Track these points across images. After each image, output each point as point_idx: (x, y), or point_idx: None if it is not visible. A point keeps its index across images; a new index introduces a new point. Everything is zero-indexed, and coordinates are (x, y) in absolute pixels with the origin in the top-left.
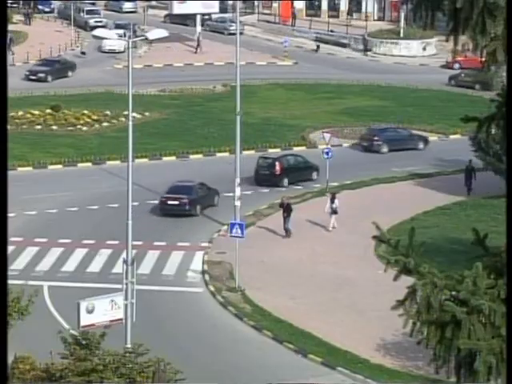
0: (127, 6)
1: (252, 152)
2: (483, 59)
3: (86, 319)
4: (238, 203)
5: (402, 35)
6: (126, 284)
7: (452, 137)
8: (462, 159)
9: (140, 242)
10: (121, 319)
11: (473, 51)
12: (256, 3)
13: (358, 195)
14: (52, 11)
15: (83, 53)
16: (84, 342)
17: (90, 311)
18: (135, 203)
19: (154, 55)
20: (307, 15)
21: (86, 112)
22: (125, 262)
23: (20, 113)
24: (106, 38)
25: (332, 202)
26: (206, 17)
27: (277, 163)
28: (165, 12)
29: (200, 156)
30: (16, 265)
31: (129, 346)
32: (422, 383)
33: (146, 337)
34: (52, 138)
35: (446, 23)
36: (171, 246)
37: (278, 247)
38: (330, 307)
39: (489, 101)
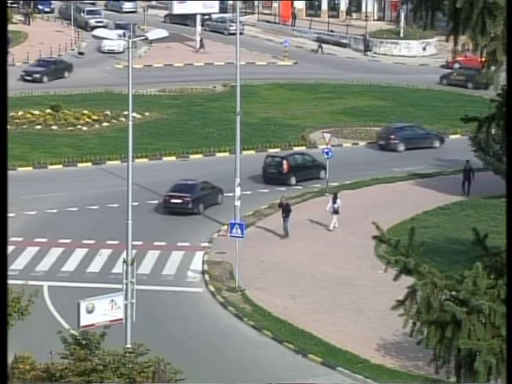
0: (127, 5)
1: (252, 152)
2: (483, 59)
3: (85, 319)
4: (237, 203)
5: (402, 35)
6: (126, 284)
7: (452, 137)
8: (461, 159)
9: (140, 242)
10: (121, 319)
11: (473, 51)
12: (256, 3)
13: (358, 195)
14: (52, 11)
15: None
16: (84, 342)
17: (89, 311)
18: (135, 203)
19: (154, 55)
20: (307, 15)
21: (85, 112)
22: (125, 261)
23: (20, 113)
24: (106, 38)
25: (334, 201)
26: (206, 17)
27: (284, 162)
28: (165, 12)
29: (200, 156)
30: (16, 265)
31: (129, 345)
32: (422, 383)
33: (146, 337)
34: (52, 137)
35: (446, 23)
36: (171, 245)
37: (278, 247)
38: (330, 307)
39: (489, 101)
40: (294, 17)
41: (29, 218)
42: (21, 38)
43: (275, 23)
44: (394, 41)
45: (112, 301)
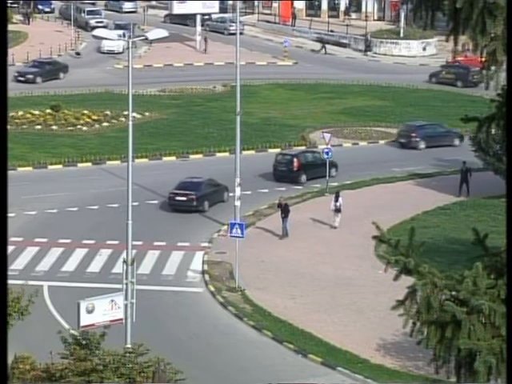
0: (127, 6)
1: (252, 152)
2: (483, 59)
3: (85, 319)
4: (237, 203)
5: (402, 35)
6: (126, 284)
7: None
8: (461, 159)
9: (140, 242)
10: (121, 319)
11: (473, 51)
12: (256, 3)
13: (358, 195)
14: (52, 11)
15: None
16: (84, 342)
17: (89, 311)
18: (135, 203)
19: (154, 55)
20: (307, 15)
21: (86, 112)
22: (125, 261)
23: (20, 113)
24: (106, 39)
25: (336, 200)
26: (206, 17)
27: (295, 159)
28: (165, 12)
29: (200, 156)
30: (16, 265)
31: (129, 345)
32: (422, 383)
33: (146, 337)
34: (52, 137)
35: (446, 23)
36: (171, 245)
37: (278, 247)
38: (330, 307)
39: (489, 101)
40: (294, 17)
41: (29, 218)
42: (21, 37)
43: (275, 23)
44: (394, 41)
45: (112, 301)
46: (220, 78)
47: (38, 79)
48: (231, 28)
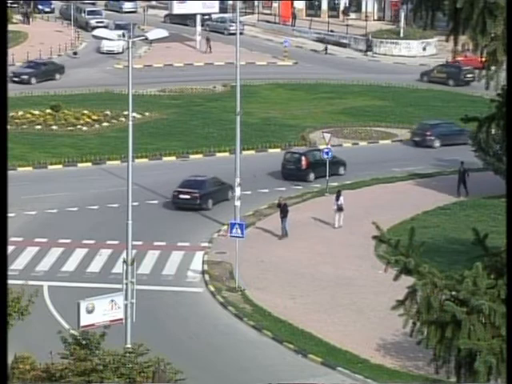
0: (127, 6)
1: (252, 152)
2: (483, 59)
3: (85, 319)
4: (237, 203)
5: (402, 35)
6: (126, 284)
7: None
8: (461, 159)
9: (140, 242)
10: (121, 319)
11: (473, 51)
12: (256, 3)
13: (358, 195)
14: (52, 11)
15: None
16: (84, 342)
17: (89, 311)
18: (135, 203)
19: (154, 55)
20: (307, 15)
21: (86, 112)
22: (125, 261)
23: (20, 113)
24: (106, 39)
25: (337, 199)
26: (206, 17)
27: (303, 158)
28: (165, 12)
29: (200, 156)
30: (16, 265)
31: (129, 345)
32: (422, 383)
33: (146, 337)
34: (52, 137)
35: (446, 23)
36: (171, 245)
37: (277, 247)
38: (330, 307)
39: (489, 101)
40: (294, 17)
41: (29, 218)
42: (21, 38)
43: (275, 23)
44: (394, 41)
45: (112, 301)
46: (220, 78)
47: (33, 80)
48: (231, 28)
